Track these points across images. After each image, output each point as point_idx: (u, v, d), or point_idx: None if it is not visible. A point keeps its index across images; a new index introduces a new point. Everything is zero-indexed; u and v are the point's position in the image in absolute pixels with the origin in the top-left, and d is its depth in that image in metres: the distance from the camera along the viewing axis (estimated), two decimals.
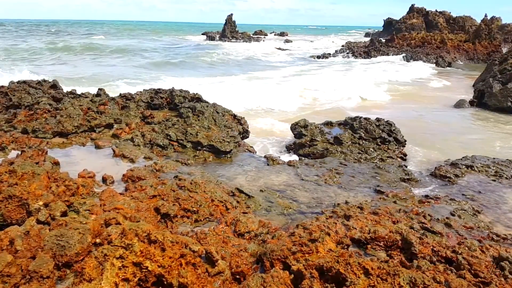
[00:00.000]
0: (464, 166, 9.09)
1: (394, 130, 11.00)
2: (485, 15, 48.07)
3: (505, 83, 19.47)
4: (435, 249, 4.56)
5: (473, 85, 25.43)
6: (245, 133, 10.51)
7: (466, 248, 4.66)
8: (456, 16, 51.70)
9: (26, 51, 41.93)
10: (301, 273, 3.98)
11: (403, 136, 10.93)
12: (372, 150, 10.11)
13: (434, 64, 40.83)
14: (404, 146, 10.81)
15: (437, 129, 14.86)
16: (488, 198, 7.38)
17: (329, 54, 49.57)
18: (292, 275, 4.02)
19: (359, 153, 9.94)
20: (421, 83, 28.31)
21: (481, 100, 19.87)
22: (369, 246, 4.81)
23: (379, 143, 10.52)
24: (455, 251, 4.54)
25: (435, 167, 9.11)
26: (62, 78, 19.79)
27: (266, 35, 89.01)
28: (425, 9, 53.97)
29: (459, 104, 20.04)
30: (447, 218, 6.11)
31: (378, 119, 11.42)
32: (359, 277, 3.86)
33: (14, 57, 36.32)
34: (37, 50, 43.01)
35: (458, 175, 8.57)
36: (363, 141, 10.53)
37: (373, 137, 10.65)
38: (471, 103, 20.14)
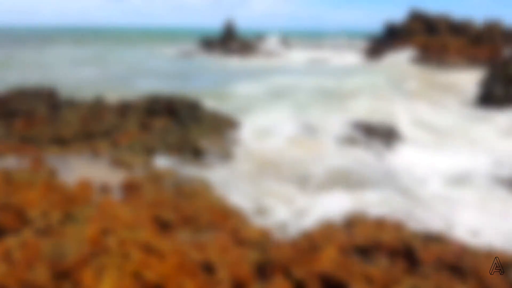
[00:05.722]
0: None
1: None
2: (486, 19, 48.04)
3: (507, 86, 19.48)
4: (439, 256, 4.49)
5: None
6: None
7: (471, 255, 4.58)
8: (457, 20, 51.63)
9: None
10: (302, 281, 3.92)
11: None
12: None
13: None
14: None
15: (437, 132, 14.74)
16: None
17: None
18: (294, 284, 3.95)
19: None
20: None
21: (483, 103, 19.85)
22: (372, 253, 4.73)
23: None
24: (460, 257, 4.47)
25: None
26: None
27: (267, 39, 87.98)
28: (425, 13, 53.92)
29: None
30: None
31: None
32: (361, 285, 3.80)
33: None
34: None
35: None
36: None
37: None
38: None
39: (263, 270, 4.35)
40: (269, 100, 17.33)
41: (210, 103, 12.13)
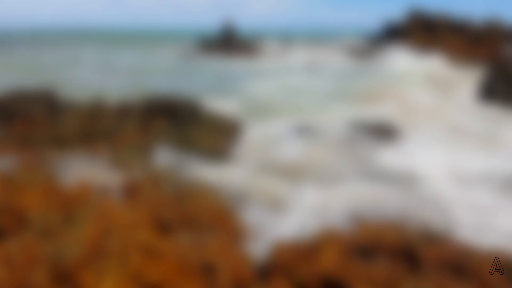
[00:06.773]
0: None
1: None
2: (486, 18, 47.98)
3: (508, 85, 19.50)
4: (440, 256, 4.47)
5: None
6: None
7: (473, 255, 4.57)
8: (457, 19, 51.57)
9: None
10: (303, 282, 3.90)
11: None
12: None
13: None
14: None
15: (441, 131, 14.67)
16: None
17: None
18: (295, 285, 3.94)
19: None
20: None
21: (484, 102, 19.87)
22: (373, 253, 4.71)
23: None
24: (461, 258, 4.45)
25: None
26: None
27: (267, 40, 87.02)
28: (425, 12, 53.83)
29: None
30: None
31: None
32: (363, 285, 3.78)
33: None
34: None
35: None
36: None
37: None
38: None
39: (263, 271, 4.34)
40: (274, 101, 17.24)
41: (214, 105, 12.09)
